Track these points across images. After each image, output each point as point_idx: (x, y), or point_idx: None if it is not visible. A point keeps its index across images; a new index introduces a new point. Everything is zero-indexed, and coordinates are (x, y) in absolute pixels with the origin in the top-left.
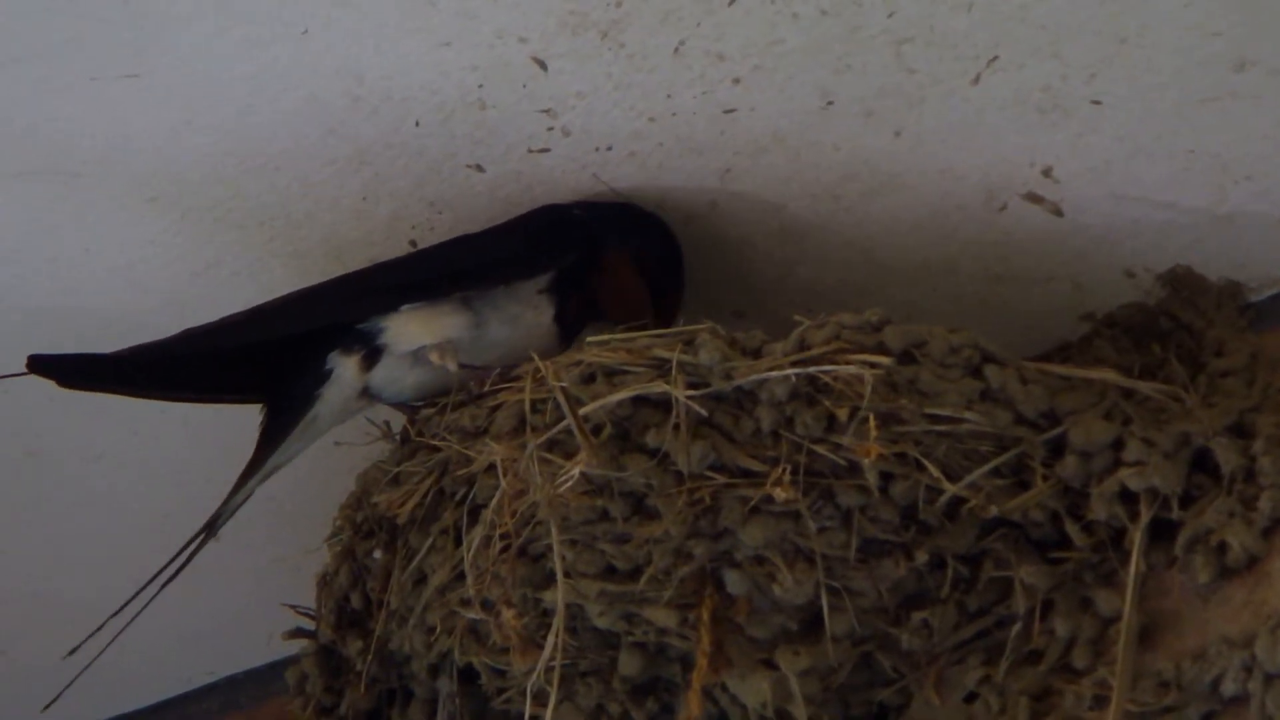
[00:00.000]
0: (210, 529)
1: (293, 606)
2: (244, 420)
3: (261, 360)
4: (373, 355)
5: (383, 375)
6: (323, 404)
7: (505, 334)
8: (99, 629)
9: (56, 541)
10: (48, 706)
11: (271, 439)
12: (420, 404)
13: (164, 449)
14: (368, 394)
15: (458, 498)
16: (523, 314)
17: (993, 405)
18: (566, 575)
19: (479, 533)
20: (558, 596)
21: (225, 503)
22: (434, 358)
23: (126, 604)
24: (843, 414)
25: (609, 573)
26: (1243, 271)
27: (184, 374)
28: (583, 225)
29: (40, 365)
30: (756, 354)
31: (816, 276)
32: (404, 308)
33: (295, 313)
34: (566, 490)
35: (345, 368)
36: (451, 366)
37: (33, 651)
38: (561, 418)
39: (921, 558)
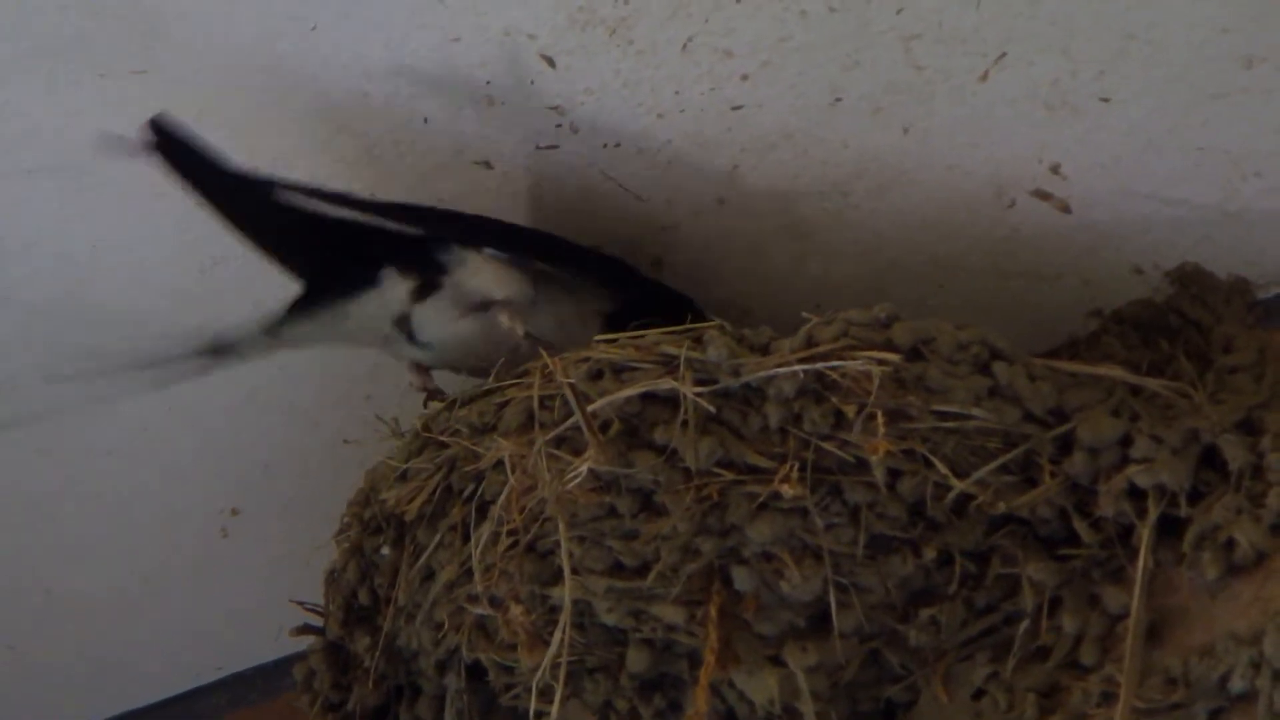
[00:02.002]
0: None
1: (301, 603)
2: (254, 418)
3: (328, 245)
4: (428, 287)
5: (428, 313)
6: (356, 305)
7: (548, 327)
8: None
9: (66, 539)
10: None
11: (294, 310)
12: (434, 367)
13: (173, 446)
14: (404, 325)
15: (466, 494)
16: (571, 322)
17: (1001, 402)
18: (574, 572)
19: (487, 529)
20: (565, 593)
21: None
22: (504, 318)
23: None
24: (850, 411)
25: (617, 569)
26: (1252, 268)
27: (268, 216)
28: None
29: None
30: (764, 351)
31: (824, 273)
32: (487, 250)
33: (397, 209)
34: (574, 487)
35: (395, 288)
36: (519, 330)
37: (42, 648)
38: (570, 414)
39: (929, 554)
